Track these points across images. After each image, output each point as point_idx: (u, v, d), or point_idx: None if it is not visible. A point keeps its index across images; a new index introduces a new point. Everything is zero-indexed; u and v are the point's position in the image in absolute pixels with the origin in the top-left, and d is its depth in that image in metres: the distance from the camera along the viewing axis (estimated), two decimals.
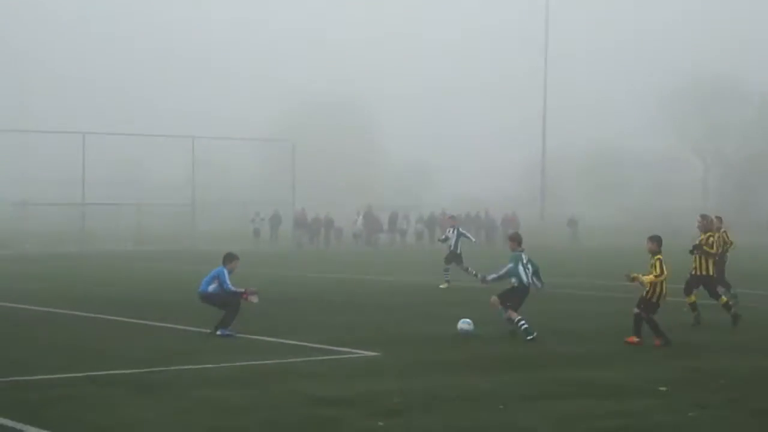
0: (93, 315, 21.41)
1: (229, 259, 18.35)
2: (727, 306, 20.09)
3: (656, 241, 17.22)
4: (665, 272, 16.86)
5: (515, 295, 18.19)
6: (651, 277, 16.89)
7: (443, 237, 31.69)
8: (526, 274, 18.19)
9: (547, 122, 77.24)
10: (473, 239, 32.67)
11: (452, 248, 30.26)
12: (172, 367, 14.40)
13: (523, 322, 17.72)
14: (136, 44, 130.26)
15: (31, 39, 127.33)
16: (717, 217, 24.96)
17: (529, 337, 17.45)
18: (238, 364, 14.77)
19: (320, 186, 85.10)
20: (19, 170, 79.23)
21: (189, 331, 18.68)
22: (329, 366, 14.70)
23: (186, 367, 14.46)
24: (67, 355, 15.52)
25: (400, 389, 12.59)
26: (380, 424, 10.64)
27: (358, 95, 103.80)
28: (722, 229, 24.54)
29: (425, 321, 20.60)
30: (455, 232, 30.81)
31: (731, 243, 25.09)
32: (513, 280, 18.18)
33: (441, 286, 28.88)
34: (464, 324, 18.27)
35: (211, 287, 18.21)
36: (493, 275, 18.73)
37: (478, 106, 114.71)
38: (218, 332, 17.78)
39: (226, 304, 18.05)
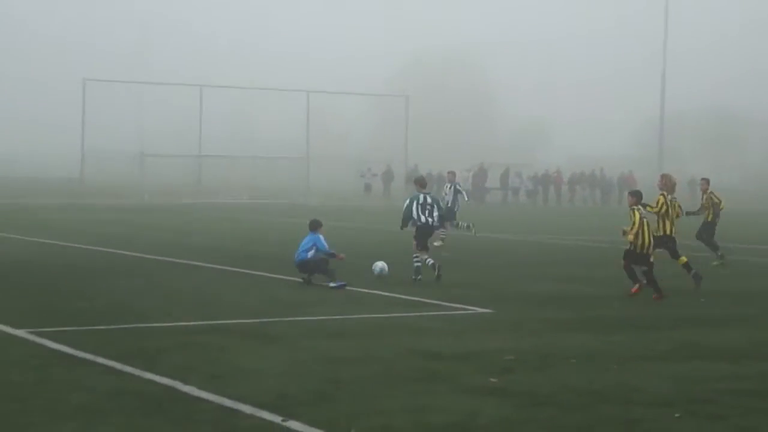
0: (209, 265, 21.72)
1: (318, 225, 19.11)
2: (687, 267, 19.49)
3: (635, 195, 18.14)
4: (636, 224, 17.48)
5: (417, 235, 20.00)
6: (630, 230, 17.60)
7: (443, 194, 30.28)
8: (424, 214, 19.96)
9: (666, 80, 75.82)
10: (467, 198, 31.41)
11: (448, 204, 28.87)
12: (287, 318, 14.54)
13: (417, 261, 19.50)
14: (251, 6, 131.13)
15: None
16: (704, 179, 26.00)
17: (414, 277, 19.17)
18: (352, 317, 14.86)
19: (433, 142, 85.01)
20: (138, 123, 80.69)
21: (301, 283, 18.80)
22: (442, 321, 14.69)
23: (301, 318, 14.59)
24: (185, 305, 15.77)
25: (512, 347, 12.53)
26: (493, 380, 10.60)
27: (473, 50, 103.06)
28: (709, 191, 25.02)
29: (538, 279, 20.45)
30: (452, 188, 29.83)
31: (720, 203, 25.19)
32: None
33: (435, 244, 27.33)
34: (379, 267, 19.53)
35: (310, 254, 18.64)
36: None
37: (597, 64, 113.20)
38: (332, 285, 17.92)
39: (319, 266, 18.49)
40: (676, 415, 9.41)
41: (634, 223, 17.57)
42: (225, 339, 12.71)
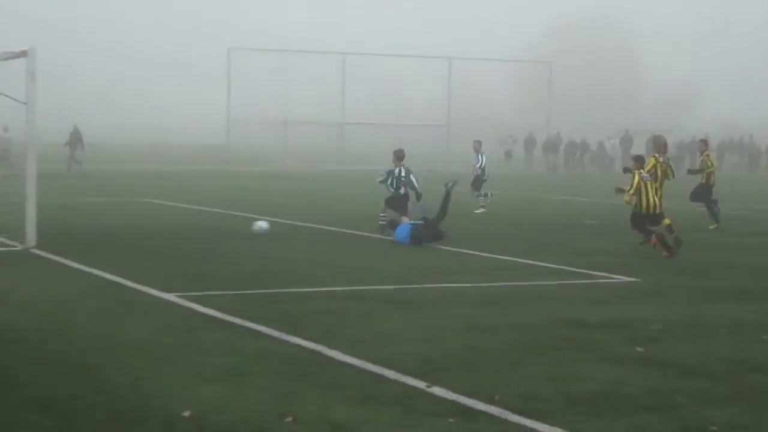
0: (352, 231, 21.89)
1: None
2: (669, 228, 19.18)
3: (636, 160, 19.65)
4: (634, 186, 18.70)
5: (391, 202, 21.64)
6: (628, 191, 18.96)
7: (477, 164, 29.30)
8: (396, 185, 21.67)
9: None
10: (479, 168, 30.14)
11: (480, 174, 28.84)
12: (428, 285, 14.55)
13: (383, 220, 21.19)
14: None
15: None
16: (702, 140, 26.57)
17: (380, 233, 20.75)
18: (493, 284, 14.79)
19: (576, 108, 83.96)
20: (282, 90, 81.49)
21: (442, 250, 18.82)
22: (587, 290, 14.51)
23: (442, 285, 14.59)
24: (327, 270, 15.91)
25: (659, 316, 12.31)
26: (639, 350, 10.43)
27: (618, 11, 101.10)
28: (706, 152, 25.33)
29: (685, 248, 20.02)
30: (482, 156, 29.29)
31: (712, 165, 25.37)
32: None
33: (477, 212, 27.26)
34: (260, 226, 20.32)
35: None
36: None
37: (746, 30, 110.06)
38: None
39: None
40: None
41: (632, 185, 18.81)
42: (368, 305, 12.78)
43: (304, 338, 10.61)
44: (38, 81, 17.65)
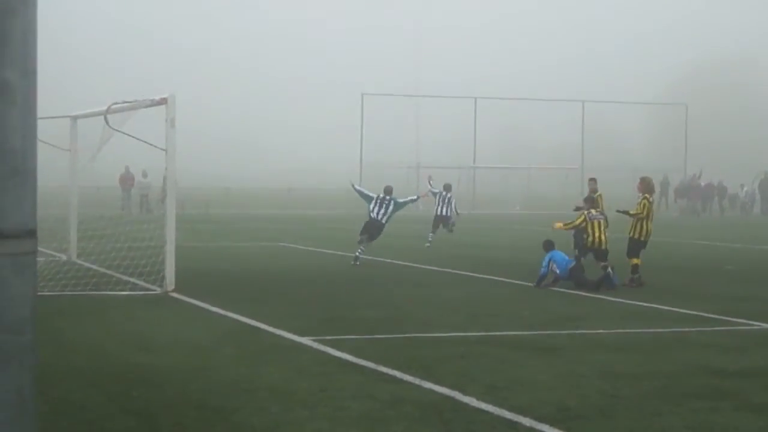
0: (483, 276, 21.84)
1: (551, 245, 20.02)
2: (635, 269, 20.07)
3: (587, 201, 21.72)
4: (576, 223, 20.81)
5: (365, 226, 23.90)
6: (560, 224, 21.22)
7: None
8: (377, 209, 24.17)
9: None
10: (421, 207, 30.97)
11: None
12: (564, 331, 14.40)
13: (359, 251, 23.64)
14: (539, 13, 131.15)
15: (428, 13, 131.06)
16: (591, 179, 25.37)
17: (352, 263, 23.20)
18: (631, 330, 14.58)
19: (714, 150, 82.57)
20: (415, 135, 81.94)
21: (578, 296, 18.64)
22: (726, 337, 14.20)
23: (578, 331, 14.43)
24: (462, 315, 15.88)
25: None
26: None
27: (755, 53, 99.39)
28: (598, 192, 24.18)
29: None
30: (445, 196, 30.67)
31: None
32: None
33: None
34: None
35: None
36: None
37: None
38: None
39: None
40: None
41: (573, 222, 20.85)
42: (502, 350, 12.71)
43: (438, 384, 10.59)
44: (177, 128, 18.10)
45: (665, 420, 9.33)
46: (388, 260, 25.65)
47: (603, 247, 20.41)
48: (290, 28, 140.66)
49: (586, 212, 20.73)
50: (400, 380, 10.87)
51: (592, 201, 21.70)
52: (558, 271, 19.60)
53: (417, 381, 10.77)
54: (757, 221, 54.18)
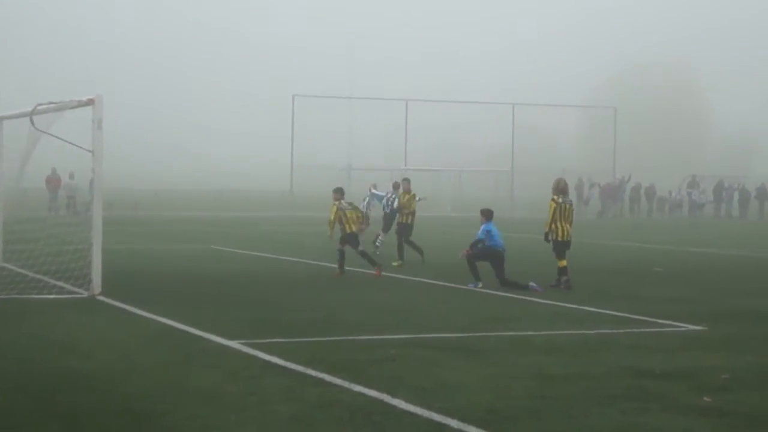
0: (415, 279, 21.87)
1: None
2: (563, 270, 20.27)
3: (336, 191, 22.38)
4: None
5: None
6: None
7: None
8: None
9: None
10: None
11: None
12: (493, 333, 14.46)
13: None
14: (468, 16, 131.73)
15: (358, 16, 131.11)
16: (405, 180, 27.36)
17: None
18: (560, 332, 14.68)
19: (643, 152, 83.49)
20: (346, 136, 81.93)
21: (508, 297, 18.73)
22: (653, 339, 14.33)
23: (507, 333, 14.49)
24: (391, 318, 15.87)
25: (727, 365, 12.12)
26: (707, 399, 10.28)
27: (683, 56, 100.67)
28: (411, 193, 26.30)
29: (753, 295, 19.79)
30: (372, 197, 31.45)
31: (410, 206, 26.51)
32: None
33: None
34: None
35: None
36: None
37: None
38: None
39: None
40: None
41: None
42: (432, 352, 12.73)
43: (368, 386, 10.58)
44: (105, 129, 17.89)
45: (593, 421, 9.40)
46: (318, 263, 25.59)
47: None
48: (222, 29, 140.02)
49: (337, 203, 22.22)
50: (330, 383, 10.84)
51: (341, 192, 22.50)
52: (488, 243, 20.32)
53: (346, 384, 10.75)
54: (686, 223, 54.87)
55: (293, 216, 53.09)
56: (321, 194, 64.73)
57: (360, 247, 22.45)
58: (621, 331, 14.91)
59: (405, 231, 26.36)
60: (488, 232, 20.51)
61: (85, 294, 17.84)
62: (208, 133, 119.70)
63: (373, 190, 32.09)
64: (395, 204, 28.91)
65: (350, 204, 22.85)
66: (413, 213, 26.57)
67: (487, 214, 20.85)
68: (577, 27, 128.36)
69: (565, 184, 20.82)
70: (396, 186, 31.24)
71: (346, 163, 67.20)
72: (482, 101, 77.54)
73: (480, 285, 19.98)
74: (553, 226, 20.46)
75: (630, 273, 24.46)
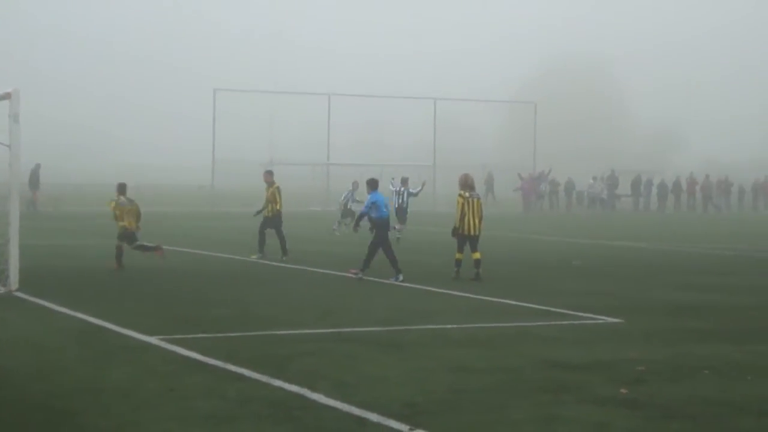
0: (336, 273, 21.87)
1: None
2: (477, 263, 20.61)
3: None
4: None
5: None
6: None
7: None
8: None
9: None
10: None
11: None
12: (413, 327, 14.51)
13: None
14: (394, 12, 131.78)
15: (284, 7, 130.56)
16: (267, 172, 26.52)
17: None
18: (479, 325, 14.78)
19: (563, 148, 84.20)
20: (268, 131, 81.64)
21: (428, 291, 18.82)
22: (571, 331, 14.50)
23: (427, 326, 14.56)
24: (312, 312, 15.86)
25: (644, 357, 12.29)
26: (623, 391, 10.41)
27: (603, 55, 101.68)
28: (275, 185, 25.62)
29: (670, 288, 20.09)
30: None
31: (278, 201, 25.75)
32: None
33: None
34: None
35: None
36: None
37: (729, 68, 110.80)
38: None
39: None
40: None
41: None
42: (352, 347, 12.75)
43: (288, 381, 10.57)
44: (22, 123, 17.65)
45: (510, 413, 9.48)
46: (238, 257, 25.50)
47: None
48: (143, 20, 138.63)
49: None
50: (249, 378, 10.81)
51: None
52: (374, 215, 20.76)
53: (266, 379, 10.73)
54: (605, 217, 55.48)
55: (214, 211, 52.77)
56: (243, 189, 64.57)
57: (137, 243, 22.41)
58: (540, 323, 15.06)
59: (269, 224, 25.49)
60: (374, 203, 20.77)
61: (2, 290, 17.59)
62: (129, 127, 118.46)
63: (391, 187, 33.60)
64: (405, 197, 32.52)
65: (129, 200, 22.74)
66: (274, 206, 25.60)
67: (373, 184, 21.18)
68: (499, 22, 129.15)
69: (472, 180, 21.13)
70: (404, 181, 32.58)
71: (268, 158, 66.91)
72: (405, 96, 77.58)
73: (401, 278, 20.07)
74: (461, 221, 20.72)
75: (550, 266, 24.70)
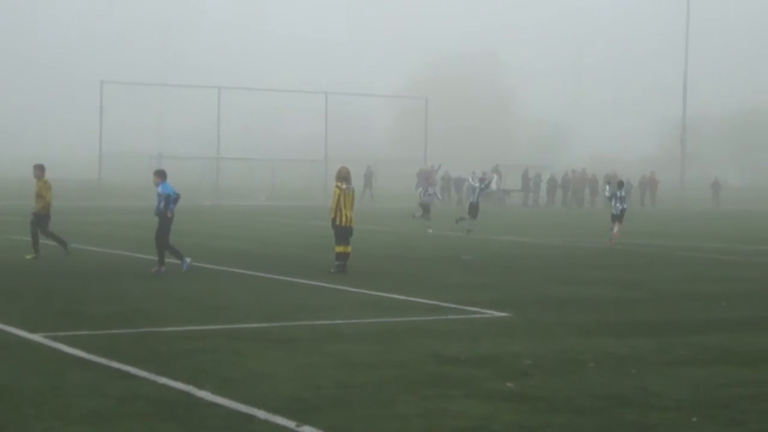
0: (224, 268, 21.70)
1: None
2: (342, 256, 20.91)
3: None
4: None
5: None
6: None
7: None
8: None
9: (690, 81, 75.40)
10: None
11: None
12: (302, 322, 14.46)
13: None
14: (269, 8, 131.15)
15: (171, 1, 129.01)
16: (36, 166, 24.35)
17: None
18: (366, 321, 14.77)
19: (453, 143, 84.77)
20: (157, 124, 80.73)
21: (318, 286, 18.77)
22: (460, 325, 14.58)
23: (316, 322, 14.51)
24: (199, 308, 15.70)
25: (530, 351, 12.41)
26: (509, 385, 10.49)
27: (495, 51, 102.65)
28: (44, 178, 23.76)
29: (557, 282, 20.34)
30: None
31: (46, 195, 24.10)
32: None
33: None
34: None
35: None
36: None
37: (618, 67, 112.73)
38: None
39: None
40: (694, 419, 9.29)
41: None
42: (239, 343, 12.64)
43: (173, 378, 10.43)
44: None
45: (398, 408, 9.48)
46: (124, 253, 25.14)
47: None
48: (25, 10, 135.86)
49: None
50: (135, 376, 10.65)
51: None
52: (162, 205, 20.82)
53: (152, 377, 10.57)
54: (495, 212, 55.97)
55: (101, 206, 51.99)
56: (131, 183, 63.77)
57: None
58: (428, 318, 15.11)
59: (40, 222, 23.77)
60: (167, 195, 21.01)
61: None
62: (15, 119, 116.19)
63: (470, 181, 37.41)
64: (477, 193, 35.39)
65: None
66: (47, 202, 23.82)
67: (162, 175, 21.28)
68: (391, 16, 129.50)
69: (348, 172, 21.32)
70: (482, 179, 37.99)
71: (157, 152, 66.19)
72: (296, 90, 77.37)
73: (189, 261, 20.67)
74: (337, 212, 20.88)
75: (439, 261, 24.83)
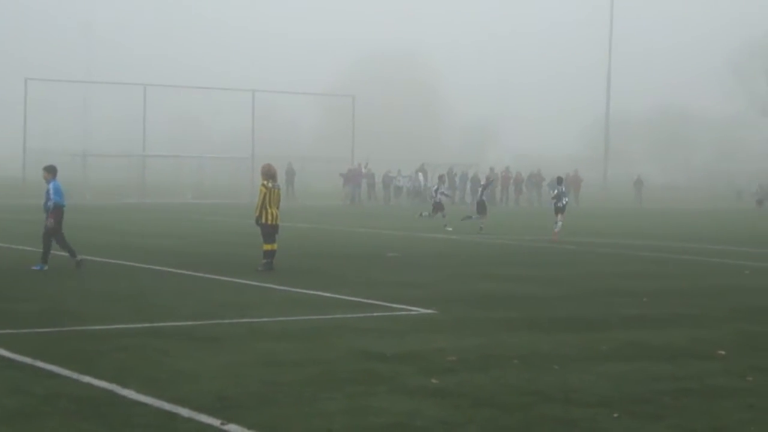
0: (150, 266, 21.57)
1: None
2: (269, 254, 20.97)
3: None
4: None
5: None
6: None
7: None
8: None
9: (612, 81, 76.28)
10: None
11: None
12: (227, 321, 14.43)
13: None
14: (196, 6, 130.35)
15: None
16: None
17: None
18: (292, 318, 14.78)
19: (381, 141, 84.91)
20: (81, 122, 79.86)
21: (244, 284, 18.74)
22: (385, 322, 14.65)
23: (240, 320, 14.49)
24: (123, 307, 15.59)
25: (455, 347, 12.51)
26: (434, 381, 10.58)
27: (422, 50, 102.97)
28: None
29: (482, 279, 20.51)
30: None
31: None
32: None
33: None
34: None
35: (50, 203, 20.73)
36: None
37: (541, 65, 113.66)
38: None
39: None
40: (615, 415, 9.43)
41: None
42: (163, 342, 12.59)
43: (97, 377, 10.37)
44: None
45: (323, 405, 9.52)
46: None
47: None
48: None
49: None
50: (58, 375, 10.57)
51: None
52: (55, 199, 20.64)
53: (75, 375, 10.50)
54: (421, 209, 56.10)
55: (25, 204, 51.31)
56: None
57: None
58: (354, 315, 15.16)
59: None
60: (58, 190, 20.80)
61: None
62: None
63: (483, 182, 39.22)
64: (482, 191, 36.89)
65: None
66: None
67: (52, 171, 21.04)
68: (319, 14, 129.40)
69: (275, 170, 21.40)
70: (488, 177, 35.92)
71: (81, 149, 65.50)
72: (223, 87, 76.94)
73: (46, 267, 20.33)
74: (262, 210, 20.91)
75: (365, 258, 24.89)
